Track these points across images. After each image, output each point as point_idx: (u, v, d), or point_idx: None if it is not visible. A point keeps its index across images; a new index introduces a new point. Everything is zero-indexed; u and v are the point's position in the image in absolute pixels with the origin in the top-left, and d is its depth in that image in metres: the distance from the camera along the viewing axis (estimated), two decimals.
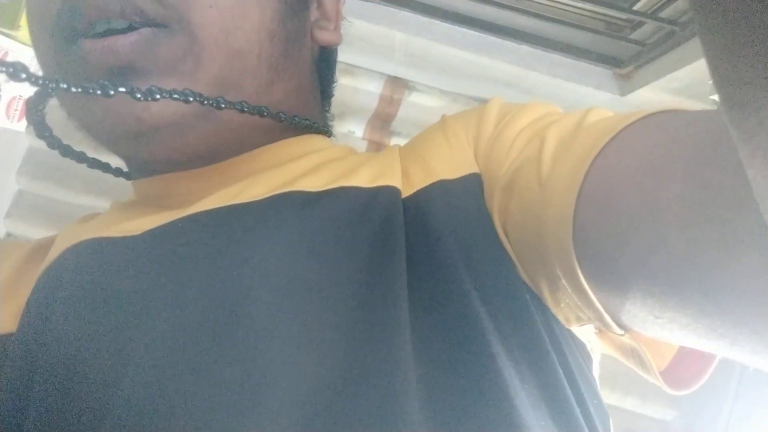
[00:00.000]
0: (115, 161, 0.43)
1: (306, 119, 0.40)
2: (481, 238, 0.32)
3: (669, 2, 0.67)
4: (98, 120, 0.34)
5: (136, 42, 0.31)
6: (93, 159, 0.43)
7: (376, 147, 0.93)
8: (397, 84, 0.93)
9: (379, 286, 0.30)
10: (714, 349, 0.25)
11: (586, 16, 0.78)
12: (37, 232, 0.94)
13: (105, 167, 0.45)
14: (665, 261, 0.24)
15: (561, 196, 0.28)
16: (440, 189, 0.34)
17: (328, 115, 0.49)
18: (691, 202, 0.23)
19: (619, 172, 0.26)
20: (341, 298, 0.30)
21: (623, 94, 0.80)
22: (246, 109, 0.35)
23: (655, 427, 0.92)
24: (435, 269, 0.31)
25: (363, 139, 0.93)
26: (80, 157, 0.42)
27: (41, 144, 1.05)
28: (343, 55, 0.51)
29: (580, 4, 0.74)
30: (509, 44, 0.79)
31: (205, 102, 0.32)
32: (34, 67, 0.84)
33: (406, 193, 0.35)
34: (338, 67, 0.50)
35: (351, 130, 0.93)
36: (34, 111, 0.37)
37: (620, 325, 0.29)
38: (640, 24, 0.75)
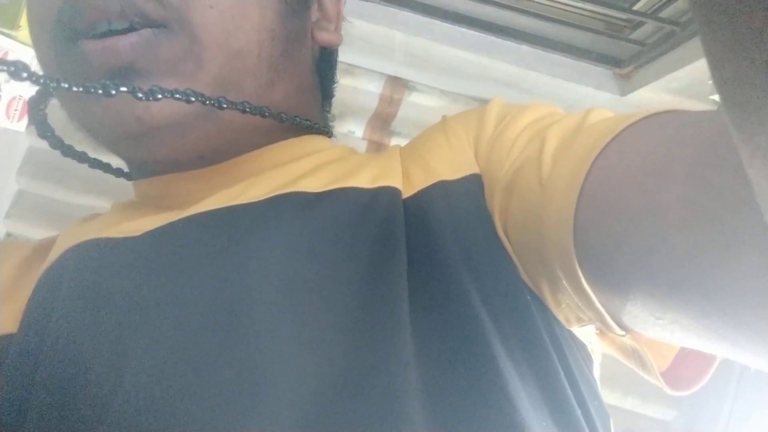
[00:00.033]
0: (117, 161, 0.43)
1: (307, 120, 0.40)
2: (481, 238, 0.32)
3: (669, 2, 0.67)
4: (98, 120, 0.34)
5: (137, 43, 0.31)
6: (94, 159, 0.43)
7: (376, 147, 0.93)
8: (397, 84, 0.93)
9: (380, 286, 0.30)
10: (715, 351, 0.25)
11: (586, 16, 0.78)
12: (37, 232, 0.94)
13: (106, 167, 0.45)
14: (666, 261, 0.24)
15: (562, 196, 0.28)
16: (441, 190, 0.34)
17: (328, 115, 0.49)
18: (691, 202, 0.23)
19: (619, 172, 0.26)
20: (342, 298, 0.30)
21: (623, 94, 0.80)
22: (248, 110, 0.35)
23: (655, 427, 0.92)
24: (436, 270, 0.31)
25: (363, 139, 0.93)
26: (81, 158, 0.42)
27: (41, 144, 1.05)
28: (343, 55, 0.51)
29: (580, 4, 0.74)
30: (509, 44, 0.79)
31: (207, 102, 0.32)
32: (35, 66, 0.83)
33: (406, 193, 0.35)
34: (338, 67, 0.50)
35: (351, 130, 0.93)
36: (35, 110, 0.37)
37: (621, 326, 0.29)
38: (640, 24, 0.75)
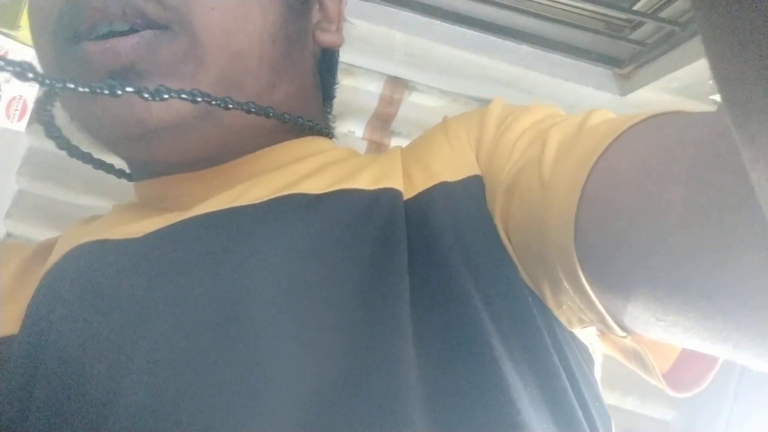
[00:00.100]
0: (119, 162, 0.43)
1: (309, 121, 0.40)
2: (482, 240, 0.32)
3: (669, 2, 0.67)
4: (100, 122, 0.34)
5: (138, 44, 0.31)
6: (99, 160, 0.43)
7: (376, 147, 0.93)
8: (397, 84, 0.93)
9: (381, 287, 0.30)
10: (717, 352, 0.25)
11: (586, 16, 0.78)
12: (37, 232, 0.94)
13: (111, 169, 0.45)
14: (667, 262, 0.24)
15: (563, 197, 0.28)
16: (442, 191, 0.34)
17: (329, 116, 0.49)
18: (692, 203, 0.23)
19: (620, 173, 0.26)
20: (342, 299, 0.30)
21: (623, 94, 0.80)
22: (253, 110, 0.35)
23: (655, 427, 0.92)
24: (437, 271, 0.31)
25: (363, 139, 0.93)
26: (87, 158, 0.42)
27: (41, 144, 1.05)
28: (344, 55, 0.51)
29: (580, 4, 0.74)
30: (509, 44, 0.79)
31: (213, 102, 0.32)
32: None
33: (407, 195, 0.35)
34: (339, 67, 0.50)
35: (351, 130, 0.93)
36: (42, 111, 0.37)
37: (622, 328, 0.29)
38: (640, 24, 0.75)
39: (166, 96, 0.31)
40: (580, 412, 0.29)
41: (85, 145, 0.41)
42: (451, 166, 0.35)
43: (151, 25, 0.32)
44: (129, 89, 0.30)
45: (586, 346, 0.33)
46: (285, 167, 0.37)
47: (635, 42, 0.75)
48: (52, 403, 0.29)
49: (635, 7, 0.71)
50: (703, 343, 0.25)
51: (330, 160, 0.39)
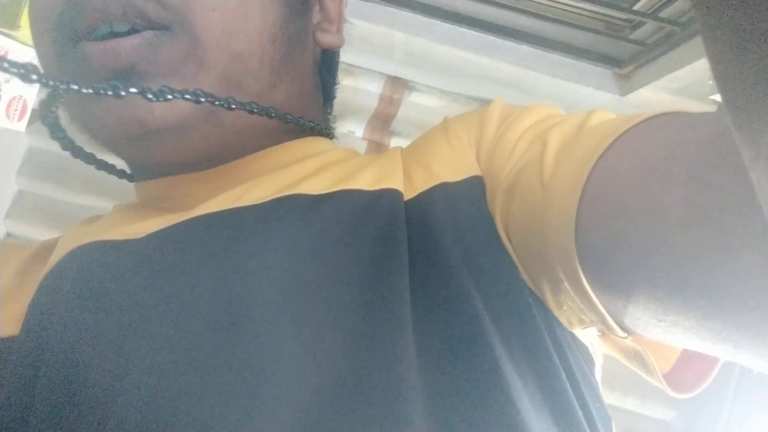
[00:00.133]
0: (121, 163, 0.43)
1: (310, 121, 0.40)
2: (483, 240, 0.32)
3: (669, 2, 0.67)
4: (100, 123, 0.34)
5: (138, 45, 0.31)
6: (102, 161, 0.43)
7: (376, 147, 0.93)
8: (397, 84, 0.93)
9: (381, 287, 0.30)
10: (717, 353, 0.25)
11: (586, 16, 0.78)
12: (37, 232, 0.94)
13: (113, 169, 0.45)
14: (667, 262, 0.24)
15: (563, 198, 0.28)
16: (442, 192, 0.34)
17: (330, 117, 0.49)
18: (692, 203, 0.23)
19: (621, 174, 0.26)
20: (343, 299, 0.30)
21: (623, 94, 0.80)
22: (255, 110, 0.35)
23: (655, 427, 0.92)
24: (437, 272, 0.31)
25: (363, 139, 0.93)
26: (90, 159, 0.42)
27: (41, 144, 1.05)
28: (344, 56, 0.51)
29: (580, 4, 0.74)
30: (509, 44, 0.79)
31: (216, 102, 0.32)
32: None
33: (408, 195, 0.35)
34: (339, 67, 0.50)
35: (351, 130, 0.93)
36: (47, 112, 0.37)
37: (623, 328, 0.29)
38: (640, 24, 0.75)
39: (169, 96, 0.31)
40: (580, 413, 0.29)
41: (87, 146, 0.41)
42: (451, 166, 0.35)
43: (151, 25, 0.32)
44: (133, 90, 0.30)
45: (586, 347, 0.33)
46: (286, 168, 0.37)
47: (635, 42, 0.75)
48: (53, 404, 0.29)
49: (635, 7, 0.71)
50: (704, 344, 0.25)
51: (330, 160, 0.39)
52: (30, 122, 0.85)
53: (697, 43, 0.64)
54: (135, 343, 0.29)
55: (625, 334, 0.30)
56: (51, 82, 0.28)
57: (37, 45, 0.35)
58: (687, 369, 0.34)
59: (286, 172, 0.37)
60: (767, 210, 0.14)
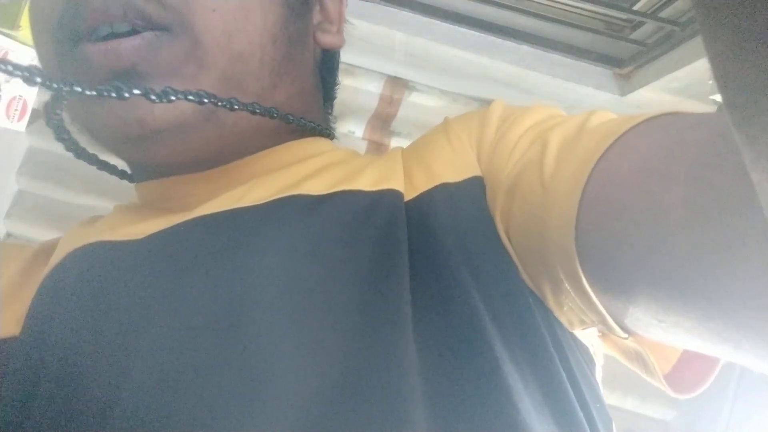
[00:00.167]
0: (122, 163, 0.43)
1: (311, 121, 0.40)
2: (483, 241, 0.32)
3: (669, 2, 0.67)
4: (101, 123, 0.34)
5: (139, 45, 0.31)
6: (104, 162, 0.43)
7: (376, 147, 0.93)
8: (397, 84, 0.93)
9: (382, 288, 0.30)
10: (718, 353, 0.25)
11: (586, 16, 0.78)
12: (37, 232, 0.94)
13: (115, 170, 0.45)
14: (668, 263, 0.24)
15: (564, 198, 0.28)
16: (443, 192, 0.34)
17: (330, 117, 0.49)
18: (693, 203, 0.23)
19: (621, 174, 0.26)
20: (343, 300, 0.30)
21: (623, 94, 0.80)
22: (257, 111, 0.35)
23: (655, 427, 0.92)
24: (438, 272, 0.31)
25: (363, 139, 0.93)
26: (92, 160, 0.42)
27: (41, 144, 1.05)
28: (344, 56, 0.51)
29: (580, 4, 0.74)
30: (509, 44, 0.79)
31: (219, 103, 0.32)
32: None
33: (408, 196, 0.35)
34: (339, 67, 0.50)
35: (351, 130, 0.93)
36: (52, 114, 0.37)
37: (624, 329, 0.29)
38: (640, 24, 0.75)
39: (173, 98, 0.31)
40: (581, 413, 0.29)
41: (88, 147, 0.41)
42: (452, 167, 0.35)
43: (152, 26, 0.32)
44: (136, 92, 0.30)
45: (587, 347, 0.33)
46: (286, 168, 0.37)
47: (635, 42, 0.75)
48: (54, 405, 0.29)
49: (635, 7, 0.71)
50: (704, 344, 0.25)
51: (331, 161, 0.39)
52: (30, 122, 0.85)
53: (697, 43, 0.64)
54: (136, 344, 0.29)
55: (626, 335, 0.30)
56: (55, 85, 0.28)
57: (38, 45, 0.35)
58: (688, 369, 0.34)
59: (287, 173, 0.37)
60: None
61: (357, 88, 0.93)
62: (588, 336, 0.34)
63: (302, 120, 0.39)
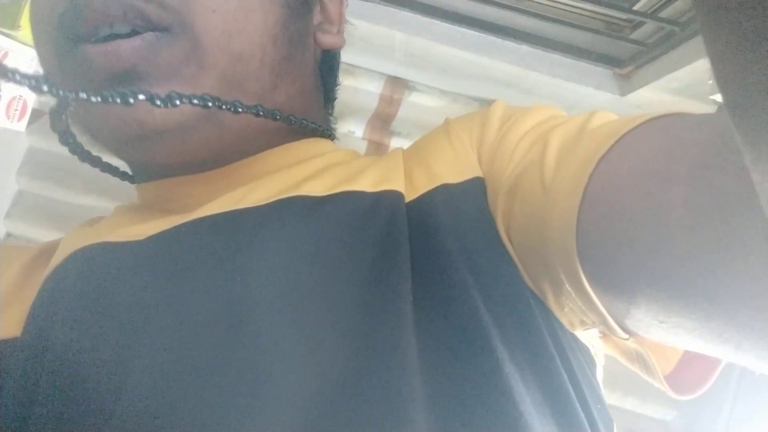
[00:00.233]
0: (122, 164, 0.43)
1: (312, 122, 0.40)
2: (484, 242, 0.32)
3: (669, 2, 0.67)
4: (102, 124, 0.34)
5: (139, 46, 0.31)
6: (107, 163, 0.43)
7: (376, 147, 0.93)
8: (397, 84, 0.93)
9: (383, 289, 0.30)
10: (719, 354, 0.25)
11: (586, 16, 0.78)
12: (37, 232, 0.94)
13: (116, 171, 0.45)
14: (669, 263, 0.24)
15: (564, 199, 0.28)
16: (444, 193, 0.34)
17: (330, 118, 0.49)
18: (694, 204, 0.23)
19: (622, 175, 0.26)
20: (344, 301, 0.30)
21: (623, 94, 0.80)
22: (261, 113, 0.35)
23: (655, 427, 0.92)
24: (439, 273, 0.31)
25: (363, 139, 0.93)
26: (95, 162, 0.42)
27: (41, 144, 1.05)
28: (344, 56, 0.51)
29: (580, 4, 0.74)
30: (509, 44, 0.79)
31: (224, 106, 0.32)
32: (35, 67, 0.83)
33: (409, 197, 0.35)
34: (339, 68, 0.50)
35: (351, 130, 0.93)
36: (58, 120, 0.38)
37: (625, 330, 0.29)
38: (640, 24, 0.75)
39: (177, 102, 0.31)
40: (582, 414, 0.29)
41: (88, 147, 0.41)
42: (452, 167, 0.35)
43: (152, 27, 0.31)
44: (141, 97, 0.30)
45: (587, 348, 0.33)
46: (287, 169, 0.37)
47: (635, 42, 0.75)
48: (55, 406, 0.29)
49: (635, 7, 0.71)
50: (706, 345, 0.25)
51: (332, 162, 0.39)
52: (30, 122, 0.85)
53: (697, 43, 0.64)
54: (137, 345, 0.29)
55: (627, 336, 0.30)
56: (61, 93, 0.28)
57: (38, 46, 0.35)
58: (689, 370, 0.34)
59: (288, 174, 0.37)
60: None
61: (357, 88, 0.93)
62: (589, 337, 0.34)
63: (304, 121, 0.39)
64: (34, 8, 0.35)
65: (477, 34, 0.79)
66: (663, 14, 0.68)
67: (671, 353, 0.34)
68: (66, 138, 0.39)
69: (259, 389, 0.27)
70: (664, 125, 0.27)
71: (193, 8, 0.32)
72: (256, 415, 0.26)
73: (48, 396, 0.29)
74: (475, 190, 0.34)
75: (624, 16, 0.75)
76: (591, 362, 0.34)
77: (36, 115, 0.87)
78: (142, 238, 0.34)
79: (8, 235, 0.96)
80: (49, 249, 0.39)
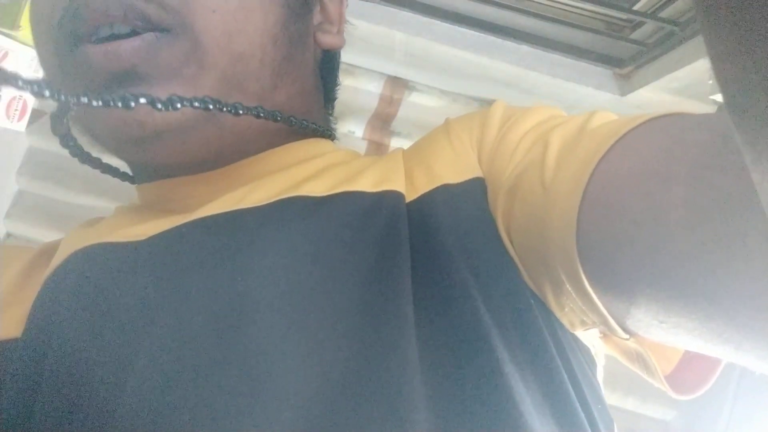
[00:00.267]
0: (123, 165, 0.43)
1: (312, 123, 0.40)
2: (484, 242, 0.32)
3: (669, 2, 0.67)
4: (102, 124, 0.34)
5: (139, 47, 0.31)
6: (107, 165, 0.43)
7: (376, 147, 0.93)
8: (397, 84, 0.93)
9: (384, 289, 0.30)
10: (719, 354, 0.25)
11: (586, 16, 0.78)
12: (37, 232, 0.94)
13: (117, 172, 0.45)
14: (669, 263, 0.24)
15: (565, 199, 0.28)
16: (444, 193, 0.34)
17: (330, 118, 0.49)
18: (694, 204, 0.23)
19: (622, 175, 0.26)
20: (345, 302, 0.30)
21: (623, 94, 0.80)
22: (262, 115, 0.35)
23: (655, 427, 0.92)
24: (439, 273, 0.31)
25: (363, 139, 0.93)
26: (96, 163, 0.42)
27: (41, 144, 1.05)
28: (344, 56, 0.51)
29: (580, 4, 0.74)
30: (509, 44, 0.79)
31: (224, 109, 0.32)
32: (35, 67, 0.83)
33: (410, 197, 0.35)
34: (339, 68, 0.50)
35: (351, 130, 0.93)
36: (59, 124, 0.38)
37: (625, 330, 0.29)
38: (640, 24, 0.75)
39: (179, 105, 0.31)
40: (582, 415, 0.29)
41: (88, 147, 0.41)
42: (453, 168, 0.35)
43: (152, 27, 0.31)
44: (142, 101, 0.30)
45: (588, 349, 0.33)
46: (288, 169, 0.37)
47: (635, 42, 0.75)
48: (56, 406, 0.29)
49: (635, 7, 0.71)
50: (706, 345, 0.25)
51: (332, 162, 0.39)
52: (30, 122, 0.85)
53: (697, 43, 0.64)
54: (138, 345, 0.29)
55: (627, 336, 0.30)
56: (63, 97, 0.28)
57: (38, 46, 0.35)
58: (689, 370, 0.34)
59: (288, 174, 0.37)
60: None
61: (357, 88, 0.93)
62: (589, 337, 0.34)
63: (304, 122, 0.39)
64: (34, 8, 0.35)
65: (477, 34, 0.79)
66: (663, 14, 0.68)
67: (672, 353, 0.34)
68: (67, 141, 0.39)
69: (260, 389, 0.27)
70: (664, 125, 0.27)
71: (193, 8, 0.32)
72: (256, 415, 0.26)
73: (49, 396, 0.29)
74: (476, 190, 0.34)
75: (624, 16, 0.75)
76: (591, 362, 0.34)
77: (36, 115, 0.87)
78: (142, 238, 0.34)
79: (8, 235, 0.96)
80: (50, 249, 0.39)
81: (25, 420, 0.30)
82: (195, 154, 0.36)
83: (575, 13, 0.77)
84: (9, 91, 0.79)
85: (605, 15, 0.77)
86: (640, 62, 0.75)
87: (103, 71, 0.31)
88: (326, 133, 0.43)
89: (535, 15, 0.76)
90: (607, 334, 0.32)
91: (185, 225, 0.34)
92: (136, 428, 0.26)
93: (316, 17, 0.43)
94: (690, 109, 0.28)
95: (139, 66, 0.31)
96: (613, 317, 0.28)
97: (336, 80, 0.49)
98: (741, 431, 0.79)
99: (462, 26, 0.79)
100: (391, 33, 0.79)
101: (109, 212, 0.43)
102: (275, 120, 0.36)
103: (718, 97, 0.73)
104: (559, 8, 0.77)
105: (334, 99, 0.50)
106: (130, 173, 0.45)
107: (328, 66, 0.46)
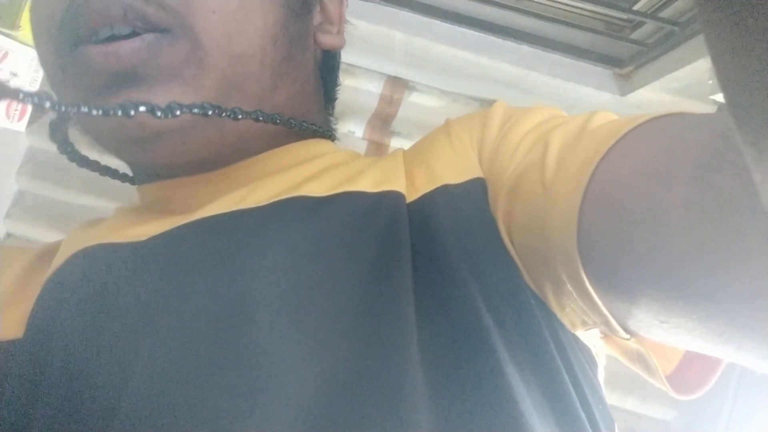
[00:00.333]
0: (123, 165, 0.43)
1: (312, 123, 0.40)
2: (485, 242, 0.32)
3: (669, 2, 0.67)
4: (102, 126, 0.34)
5: (139, 47, 0.31)
6: (106, 167, 0.44)
7: (376, 147, 0.93)
8: (397, 84, 0.93)
9: (384, 289, 0.30)
10: (720, 354, 0.25)
11: (586, 16, 0.78)
12: (37, 232, 0.94)
13: (116, 174, 0.45)
14: (670, 264, 0.24)
15: (565, 200, 0.28)
16: (444, 194, 0.34)
17: (331, 118, 0.49)
18: (695, 204, 0.23)
19: (623, 175, 0.26)
20: (346, 302, 0.30)
21: (623, 94, 0.80)
22: (261, 118, 0.35)
23: (655, 427, 0.92)
24: (440, 274, 0.31)
25: (363, 139, 0.93)
26: (94, 166, 0.43)
27: (41, 144, 1.05)
28: (344, 56, 0.51)
29: (580, 4, 0.74)
30: (509, 44, 0.79)
31: (224, 114, 0.32)
32: (35, 67, 0.83)
33: (410, 198, 0.35)
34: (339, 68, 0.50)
35: (351, 130, 0.93)
36: (57, 131, 0.38)
37: (626, 330, 0.29)
38: (640, 24, 0.75)
39: (178, 112, 0.31)
40: (583, 415, 0.29)
41: (88, 147, 0.41)
42: (453, 168, 0.35)
43: (152, 28, 0.31)
44: (142, 109, 0.30)
45: (589, 349, 0.33)
46: (288, 170, 0.37)
47: (635, 42, 0.75)
48: (57, 407, 0.29)
49: (635, 7, 0.71)
50: (707, 345, 0.25)
51: (333, 162, 0.39)
52: (30, 122, 0.85)
53: (697, 43, 0.64)
54: (138, 345, 0.29)
55: (628, 336, 0.30)
56: (63, 107, 0.28)
57: (38, 46, 0.35)
58: (690, 370, 0.34)
59: (288, 175, 0.37)
60: None
61: (357, 88, 0.93)
62: (590, 337, 0.34)
63: (304, 123, 0.39)
64: (34, 9, 0.35)
65: (477, 34, 0.79)
66: (663, 14, 0.68)
67: (672, 353, 0.34)
68: (65, 147, 0.39)
69: (260, 389, 0.27)
70: (664, 125, 0.27)
71: (193, 9, 0.32)
72: (257, 414, 0.26)
73: (50, 397, 0.29)
74: (476, 190, 0.34)
75: (624, 16, 0.75)
76: (592, 362, 0.34)
77: (36, 115, 0.87)
78: (143, 239, 0.34)
79: (8, 235, 0.96)
80: (50, 250, 0.39)
81: (27, 421, 0.30)
82: (195, 154, 0.36)
83: (575, 13, 0.77)
84: None
85: (605, 15, 0.77)
86: (640, 62, 0.75)
87: (103, 72, 0.31)
88: (326, 133, 0.43)
89: (535, 15, 0.76)
90: (608, 334, 0.32)
91: (186, 225, 0.34)
92: (137, 428, 0.26)
93: (316, 17, 0.43)
94: (690, 109, 0.28)
95: (139, 67, 0.31)
96: (614, 317, 0.28)
97: (336, 80, 0.49)
98: (741, 431, 0.79)
99: (462, 26, 0.79)
100: (391, 33, 0.79)
101: (110, 212, 0.43)
102: (275, 123, 0.36)
103: (718, 97, 0.73)
104: (559, 8, 0.77)
105: (335, 99, 0.50)
106: (131, 174, 0.45)
107: (328, 66, 0.46)
